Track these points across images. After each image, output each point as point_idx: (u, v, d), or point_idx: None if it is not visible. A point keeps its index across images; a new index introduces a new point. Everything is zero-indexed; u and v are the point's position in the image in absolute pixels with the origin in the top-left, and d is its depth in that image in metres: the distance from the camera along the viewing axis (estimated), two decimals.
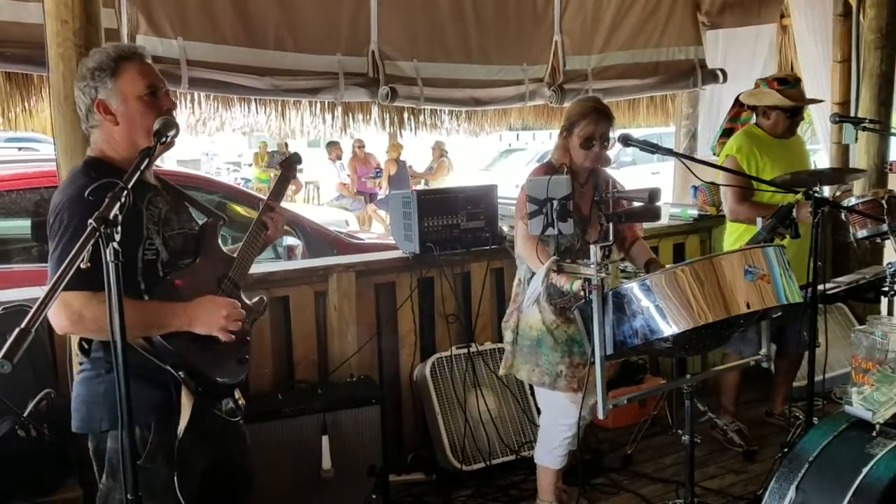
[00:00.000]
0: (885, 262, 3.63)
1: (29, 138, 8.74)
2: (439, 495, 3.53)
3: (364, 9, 3.99)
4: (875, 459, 2.16)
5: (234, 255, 2.20)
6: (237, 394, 2.18)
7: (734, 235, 3.77)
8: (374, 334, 3.72)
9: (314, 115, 4.37)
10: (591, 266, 2.33)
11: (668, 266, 2.44)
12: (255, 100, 4.08)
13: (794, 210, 2.80)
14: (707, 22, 5.18)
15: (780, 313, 2.53)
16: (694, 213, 4.65)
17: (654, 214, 2.59)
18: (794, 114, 3.72)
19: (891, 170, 4.89)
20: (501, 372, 3.21)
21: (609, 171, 3.25)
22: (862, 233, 3.54)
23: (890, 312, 3.23)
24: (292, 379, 3.51)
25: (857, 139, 4.79)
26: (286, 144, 14.67)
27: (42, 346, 2.87)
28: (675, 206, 4.85)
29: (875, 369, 2.36)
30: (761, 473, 3.51)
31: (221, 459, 2.18)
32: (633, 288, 2.29)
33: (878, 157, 4.82)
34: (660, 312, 2.24)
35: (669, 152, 2.91)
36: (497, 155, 17.58)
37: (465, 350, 3.80)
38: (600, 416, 2.42)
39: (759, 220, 2.85)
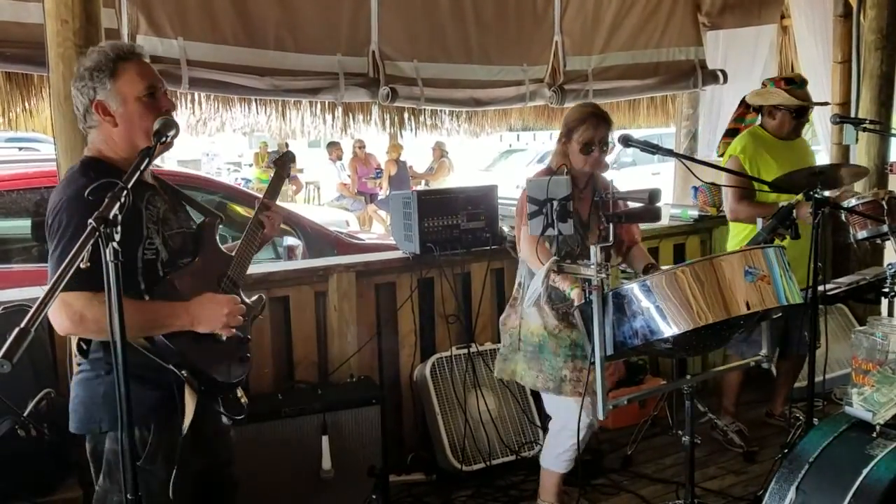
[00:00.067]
0: (885, 263, 3.63)
1: (29, 138, 8.75)
2: (439, 496, 3.53)
3: (364, 9, 3.99)
4: (875, 460, 2.15)
5: (233, 253, 2.21)
6: (240, 392, 2.19)
7: (738, 237, 3.77)
8: (374, 335, 3.72)
9: (314, 115, 4.37)
10: (591, 266, 2.33)
11: (668, 267, 2.44)
12: (256, 100, 4.08)
13: (795, 210, 2.80)
14: (707, 23, 5.18)
15: (780, 314, 2.52)
16: (694, 213, 4.65)
17: (654, 215, 2.59)
18: (799, 115, 3.71)
19: (891, 171, 4.89)
20: (497, 375, 3.20)
21: (609, 172, 3.25)
22: (862, 234, 3.54)
23: (890, 313, 3.23)
24: (292, 379, 3.51)
25: (857, 140, 4.79)
26: (286, 145, 14.68)
27: (42, 346, 2.87)
28: (675, 206, 4.84)
29: (875, 370, 2.36)
30: (761, 474, 3.51)
31: (210, 466, 2.19)
32: (633, 288, 2.29)
33: (878, 157, 4.82)
34: (660, 313, 2.23)
35: (670, 153, 2.90)
36: (497, 155, 17.58)
37: (466, 350, 3.80)
38: (600, 416, 2.42)
39: (759, 220, 2.85)
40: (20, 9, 3.11)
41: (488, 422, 3.74)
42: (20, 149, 8.45)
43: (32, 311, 1.38)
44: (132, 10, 3.36)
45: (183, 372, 1.94)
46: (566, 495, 3.26)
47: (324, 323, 3.61)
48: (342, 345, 3.59)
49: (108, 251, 1.53)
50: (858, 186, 4.25)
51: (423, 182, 13.07)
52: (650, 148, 2.59)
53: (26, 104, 3.60)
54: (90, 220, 1.52)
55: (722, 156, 3.95)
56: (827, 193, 3.14)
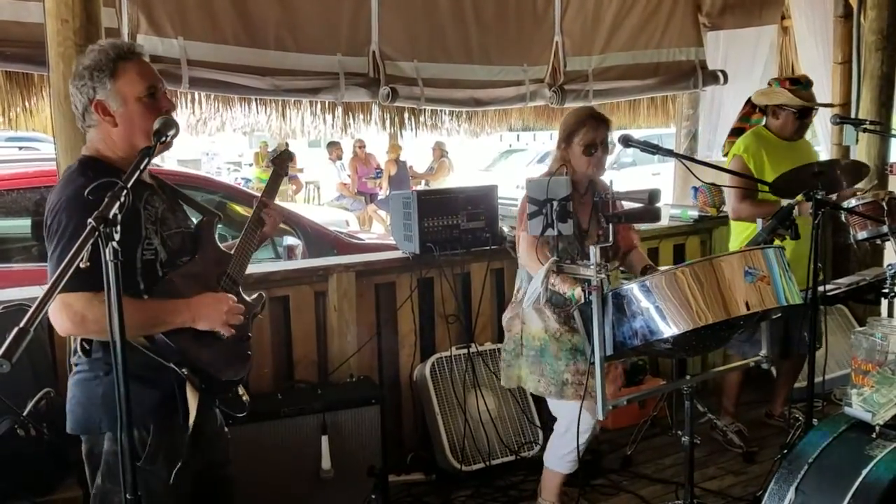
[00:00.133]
0: (885, 264, 3.63)
1: (29, 138, 8.74)
2: (439, 495, 3.53)
3: (364, 9, 3.99)
4: (875, 461, 2.15)
5: (232, 252, 2.20)
6: (241, 390, 2.19)
7: (741, 237, 3.78)
8: (373, 334, 3.72)
9: (315, 115, 4.37)
10: (591, 267, 2.33)
11: (667, 267, 2.44)
12: (256, 100, 4.08)
13: (797, 208, 2.80)
14: (708, 23, 5.18)
15: (779, 315, 2.52)
16: (694, 214, 4.65)
17: (653, 215, 2.59)
18: (803, 115, 3.71)
19: (891, 171, 4.89)
20: (505, 384, 3.19)
21: (609, 172, 3.25)
22: (862, 234, 3.54)
23: (890, 314, 3.23)
24: (292, 379, 3.51)
25: (857, 140, 4.79)
26: (286, 144, 14.67)
27: (41, 346, 2.87)
28: (675, 207, 4.84)
29: (875, 371, 2.36)
30: (761, 475, 3.51)
31: (208, 466, 2.18)
32: (632, 289, 2.29)
33: (878, 158, 4.82)
34: (659, 313, 2.24)
35: (670, 153, 2.90)
36: (497, 155, 17.57)
37: (465, 350, 3.80)
38: (600, 416, 2.42)
39: (759, 221, 2.85)
40: (20, 8, 3.11)
41: (488, 422, 3.74)
42: (20, 148, 8.46)
43: (32, 310, 1.38)
44: (132, 9, 3.36)
45: (184, 370, 1.94)
46: (566, 496, 3.26)
47: (323, 323, 3.61)
48: (342, 344, 3.59)
49: (107, 251, 1.53)
50: (859, 186, 4.25)
51: (422, 182, 13.07)
52: (650, 148, 2.59)
53: (26, 103, 3.60)
54: (90, 220, 1.52)
55: (726, 155, 3.95)
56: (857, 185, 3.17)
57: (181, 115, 3.81)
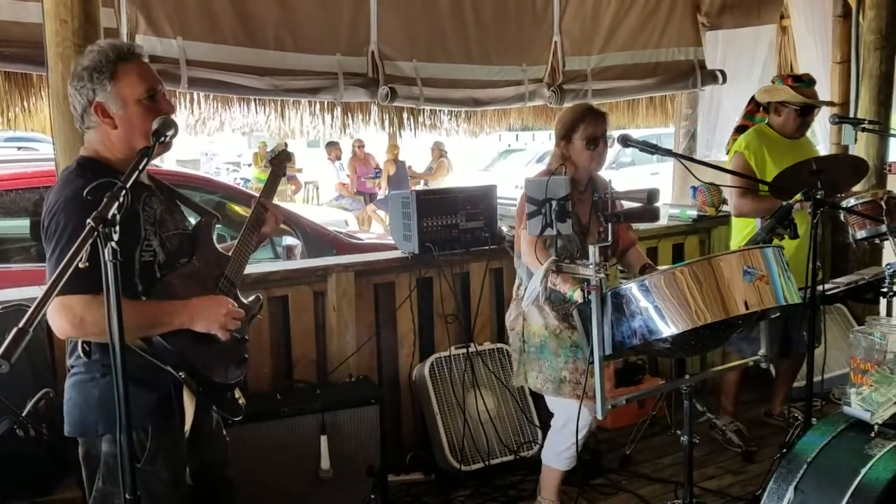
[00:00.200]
0: (884, 263, 3.63)
1: (28, 138, 8.75)
2: (438, 495, 3.53)
3: (364, 9, 3.98)
4: (874, 460, 2.16)
5: (229, 253, 2.20)
6: (237, 393, 2.18)
7: (742, 233, 3.78)
8: (372, 334, 3.72)
9: (314, 115, 4.37)
10: (590, 266, 2.33)
11: (666, 266, 2.44)
12: (255, 100, 4.08)
13: (799, 204, 2.80)
14: (707, 23, 5.18)
15: (778, 314, 2.52)
16: (693, 213, 4.65)
17: (652, 215, 2.59)
18: (804, 112, 3.72)
19: (890, 170, 4.89)
20: (517, 383, 3.19)
21: (607, 172, 3.26)
22: (861, 234, 3.55)
23: (889, 313, 3.23)
24: (291, 379, 3.51)
25: (856, 140, 4.80)
26: (285, 144, 14.65)
27: (41, 346, 2.87)
28: (674, 206, 4.84)
29: (874, 370, 2.37)
30: (760, 474, 3.51)
31: (204, 468, 2.18)
32: (631, 288, 2.29)
33: (877, 158, 4.82)
34: (658, 313, 2.24)
35: (668, 153, 2.91)
36: (496, 155, 17.57)
37: (464, 350, 3.80)
38: (599, 416, 2.42)
39: (758, 220, 2.85)
40: (19, 8, 3.11)
41: (487, 421, 3.74)
42: (19, 148, 8.47)
43: (31, 310, 1.38)
44: (131, 9, 3.35)
45: (181, 373, 1.93)
46: (565, 495, 3.26)
47: (322, 323, 3.61)
48: (341, 344, 3.59)
49: (106, 251, 1.53)
50: (858, 187, 4.25)
51: (421, 182, 13.06)
52: (649, 148, 2.59)
53: (25, 104, 3.59)
54: (88, 220, 1.51)
55: (729, 152, 3.96)
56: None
57: (180, 116, 3.80)
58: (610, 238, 2.48)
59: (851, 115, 4.89)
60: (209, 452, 2.20)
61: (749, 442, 3.88)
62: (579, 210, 2.98)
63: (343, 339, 3.60)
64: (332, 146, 12.96)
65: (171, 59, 3.45)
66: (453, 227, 3.76)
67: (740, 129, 3.95)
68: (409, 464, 3.71)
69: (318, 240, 5.15)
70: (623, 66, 4.87)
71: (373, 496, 3.09)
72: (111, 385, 1.88)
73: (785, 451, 2.62)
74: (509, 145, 20.53)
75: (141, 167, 1.75)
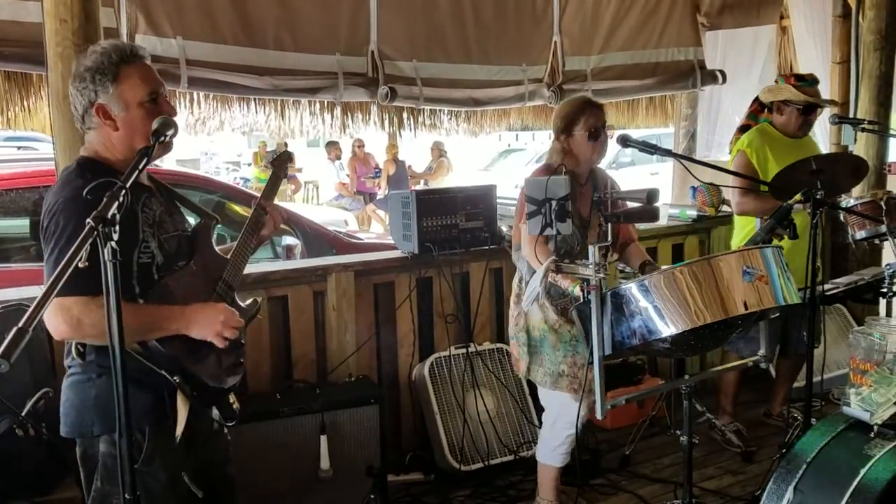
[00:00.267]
0: (883, 264, 3.63)
1: (28, 137, 8.75)
2: (438, 495, 3.53)
3: (364, 9, 3.99)
4: (873, 460, 2.16)
5: (228, 255, 2.18)
6: (232, 398, 2.16)
7: (743, 231, 3.79)
8: (372, 334, 3.72)
9: (313, 114, 4.37)
10: (590, 266, 2.33)
11: (666, 267, 2.44)
12: (255, 99, 4.08)
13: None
14: (706, 23, 5.18)
15: (778, 314, 2.53)
16: (693, 213, 4.65)
17: (652, 215, 2.59)
18: (807, 112, 3.72)
19: (889, 171, 4.89)
20: (524, 377, 3.19)
21: (608, 171, 3.26)
22: (860, 234, 3.55)
23: (888, 314, 3.23)
24: (291, 379, 3.51)
25: (856, 140, 4.80)
26: (286, 144, 14.66)
27: (41, 346, 2.87)
28: (673, 206, 4.85)
29: (873, 370, 2.37)
30: (759, 474, 3.51)
31: (205, 467, 2.17)
32: (631, 288, 2.29)
33: (876, 158, 4.83)
34: (658, 313, 2.24)
35: (668, 153, 2.90)
36: (496, 155, 17.57)
37: (464, 350, 3.80)
38: (599, 416, 2.42)
39: (757, 220, 2.85)
40: (19, 8, 3.11)
41: (487, 421, 3.74)
42: (19, 148, 8.47)
43: (30, 310, 1.38)
44: (131, 9, 3.36)
45: (175, 378, 1.92)
46: (564, 495, 3.26)
47: (322, 322, 3.61)
48: (341, 344, 3.59)
49: (106, 250, 1.53)
50: (857, 187, 4.26)
51: (421, 182, 13.07)
52: (649, 148, 2.59)
53: (25, 103, 3.59)
54: (88, 220, 1.51)
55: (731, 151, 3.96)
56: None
57: (180, 115, 3.80)
58: (610, 238, 2.48)
59: (851, 115, 4.90)
60: (209, 452, 2.19)
61: (748, 442, 3.88)
62: (580, 204, 2.98)
63: (343, 339, 3.60)
64: (331, 146, 12.96)
65: (171, 58, 3.45)
66: (453, 226, 3.76)
67: (744, 129, 3.95)
68: (409, 464, 3.71)
69: (317, 239, 5.15)
70: (623, 66, 4.88)
71: (372, 496, 3.09)
72: (107, 386, 1.88)
73: (784, 451, 2.62)
74: (509, 145, 20.53)
75: (140, 167, 1.75)
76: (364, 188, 12.77)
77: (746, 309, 2.26)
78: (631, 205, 2.62)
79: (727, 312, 2.24)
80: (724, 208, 4.61)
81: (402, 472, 3.64)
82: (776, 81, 3.87)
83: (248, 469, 2.87)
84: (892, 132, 4.56)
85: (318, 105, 4.33)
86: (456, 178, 13.49)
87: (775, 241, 2.76)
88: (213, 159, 20.10)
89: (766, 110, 3.89)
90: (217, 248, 2.20)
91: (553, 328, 2.96)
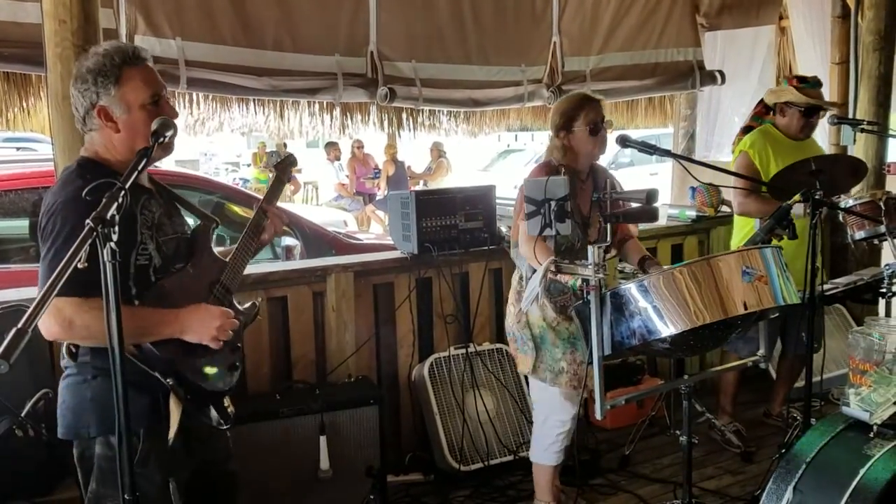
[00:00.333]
0: (882, 264, 3.64)
1: (27, 138, 8.74)
2: (437, 496, 3.53)
3: (363, 9, 3.99)
4: (872, 460, 2.16)
5: (227, 258, 2.16)
6: (227, 401, 2.15)
7: (743, 231, 3.79)
8: (372, 335, 3.72)
9: (313, 115, 4.37)
10: (589, 266, 2.33)
11: (665, 267, 2.44)
12: (254, 100, 4.08)
13: (794, 207, 2.80)
14: (706, 23, 5.19)
15: (777, 314, 2.53)
16: (692, 214, 4.65)
17: (651, 215, 2.59)
18: (809, 114, 3.72)
19: (888, 171, 4.90)
20: (529, 372, 3.18)
21: (608, 171, 3.26)
22: (860, 234, 3.55)
23: (888, 314, 3.24)
24: (290, 379, 3.51)
25: (855, 141, 4.80)
26: (285, 145, 14.67)
27: (40, 347, 2.86)
28: (673, 207, 4.85)
29: (872, 370, 2.37)
30: (759, 474, 3.51)
31: (206, 465, 2.16)
32: (630, 289, 2.30)
33: (876, 158, 4.83)
34: (657, 313, 2.24)
35: (667, 153, 2.91)
36: (496, 156, 17.58)
37: (464, 350, 3.80)
38: (598, 416, 2.43)
39: (756, 221, 2.85)
40: (18, 8, 3.11)
41: (486, 422, 3.74)
42: (18, 149, 8.46)
43: (30, 311, 1.38)
44: (130, 10, 3.36)
45: (168, 380, 1.91)
46: (563, 494, 3.26)
47: (322, 323, 3.61)
48: (340, 345, 3.59)
49: (105, 251, 1.53)
50: (856, 187, 4.27)
51: (421, 182, 13.07)
52: (648, 148, 2.60)
53: (24, 104, 3.59)
54: (87, 221, 1.51)
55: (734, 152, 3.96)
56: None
57: (179, 116, 3.80)
58: (609, 238, 2.48)
59: (850, 115, 4.89)
60: (209, 451, 2.18)
61: (748, 442, 3.88)
62: (580, 200, 2.98)
63: (342, 340, 3.60)
64: (331, 146, 12.96)
65: (170, 59, 3.45)
66: (452, 227, 3.76)
67: (747, 130, 3.96)
68: (409, 464, 3.71)
69: (317, 240, 5.15)
70: (622, 67, 4.88)
71: (372, 496, 3.09)
72: (103, 387, 1.89)
73: (784, 451, 2.62)
74: (508, 146, 20.53)
75: (140, 168, 1.75)
76: (363, 189, 12.77)
77: (746, 309, 2.26)
78: (630, 205, 2.62)
79: (726, 313, 2.24)
80: (724, 208, 4.61)
81: (402, 472, 3.64)
82: (780, 83, 3.87)
83: (248, 469, 2.86)
84: (891, 132, 4.57)
85: (317, 106, 4.33)
86: (455, 178, 13.50)
87: (774, 242, 2.76)
88: (213, 160, 20.13)
89: (770, 112, 3.89)
90: (217, 251, 2.20)
91: (551, 326, 2.96)
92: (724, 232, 4.55)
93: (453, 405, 3.71)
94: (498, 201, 3.94)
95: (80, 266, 1.46)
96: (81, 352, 1.94)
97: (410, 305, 3.78)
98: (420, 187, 12.28)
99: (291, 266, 3.82)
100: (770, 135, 3.77)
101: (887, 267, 3.25)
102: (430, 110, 4.78)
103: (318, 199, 14.53)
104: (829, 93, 5.16)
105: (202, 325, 1.95)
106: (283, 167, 2.40)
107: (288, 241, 4.74)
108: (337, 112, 4.43)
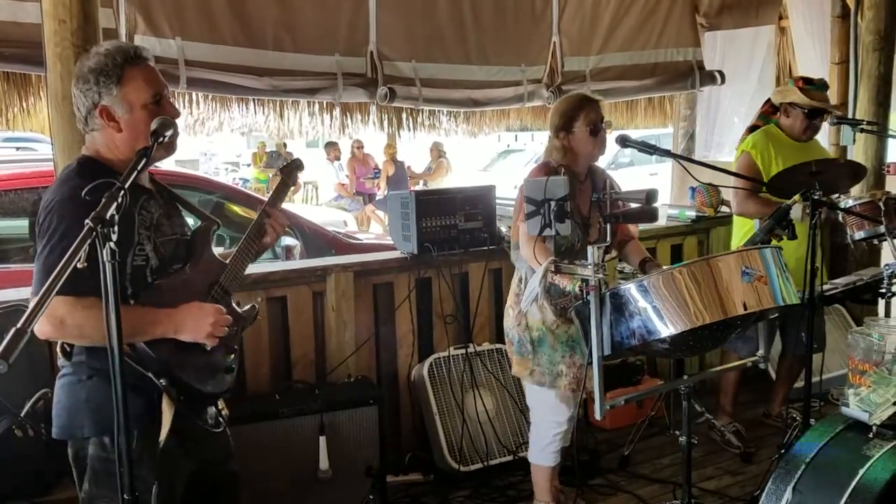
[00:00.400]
0: (882, 264, 3.63)
1: (27, 138, 8.75)
2: (437, 496, 3.53)
3: (363, 9, 3.99)
4: (872, 461, 2.16)
5: (227, 260, 2.15)
6: (221, 404, 2.14)
7: (742, 230, 3.79)
8: (371, 335, 3.72)
9: (313, 115, 4.37)
10: (589, 267, 2.33)
11: (665, 267, 2.44)
12: (254, 100, 4.08)
13: (794, 208, 2.80)
14: (705, 23, 5.19)
15: (777, 315, 2.53)
16: (692, 214, 4.65)
17: (651, 215, 2.59)
18: (812, 115, 3.71)
19: (888, 171, 4.89)
20: (524, 375, 3.19)
21: (607, 171, 3.26)
22: (859, 234, 3.55)
23: (887, 314, 3.23)
24: (290, 379, 3.51)
25: (854, 141, 4.80)
26: (285, 145, 14.68)
27: (39, 347, 2.87)
28: (672, 207, 4.85)
29: (872, 371, 2.37)
30: (758, 474, 3.51)
31: (206, 465, 2.15)
32: (630, 289, 2.30)
33: (875, 158, 4.83)
34: (657, 313, 2.24)
35: (667, 153, 2.91)
36: (495, 156, 17.58)
37: (463, 350, 3.80)
38: (598, 416, 2.43)
39: (756, 221, 2.85)
40: (17, 8, 3.11)
41: (486, 422, 3.74)
42: (18, 149, 8.46)
43: (29, 311, 1.38)
44: (130, 9, 3.36)
45: (161, 381, 1.90)
46: (563, 495, 3.26)
47: (321, 323, 3.61)
48: (340, 345, 3.59)
49: (105, 251, 1.52)
50: (855, 188, 4.27)
51: (420, 182, 13.07)
52: (648, 148, 2.60)
53: (24, 104, 3.60)
54: (87, 220, 1.51)
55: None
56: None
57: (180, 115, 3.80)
58: (609, 238, 2.48)
59: (850, 115, 4.89)
60: (207, 451, 2.17)
61: (748, 442, 3.89)
62: (579, 201, 2.98)
63: (342, 340, 3.60)
64: (331, 146, 12.96)
65: (170, 59, 3.45)
66: (452, 227, 3.76)
67: (753, 129, 3.96)
68: (408, 464, 3.71)
69: (317, 240, 5.15)
70: (622, 67, 4.88)
71: (371, 497, 3.09)
72: (97, 387, 1.88)
73: (783, 451, 2.63)
74: (508, 146, 20.52)
75: (139, 168, 1.75)
76: (363, 189, 12.78)
77: (745, 309, 2.26)
78: (630, 205, 2.62)
79: (726, 313, 2.24)
80: (724, 209, 4.61)
81: (402, 472, 3.64)
82: (783, 83, 3.87)
83: (248, 469, 2.85)
84: (890, 132, 4.57)
85: (317, 106, 4.34)
86: (455, 178, 13.50)
87: (774, 242, 2.76)
88: (213, 160, 20.13)
89: (777, 112, 3.89)
90: (217, 253, 2.19)
91: (550, 329, 2.96)
92: (723, 232, 4.55)
93: (453, 405, 3.71)
94: (498, 201, 3.94)
95: (79, 266, 1.45)
96: (76, 351, 1.93)
97: (410, 305, 3.78)
98: (420, 187, 12.28)
99: (291, 266, 3.82)
100: (773, 135, 3.76)
101: (887, 267, 3.25)
102: (429, 110, 4.78)
103: (318, 198, 14.53)
104: (828, 93, 5.16)
105: (196, 323, 1.94)
106: (289, 171, 2.39)
107: (288, 240, 4.74)
108: (337, 112, 4.43)
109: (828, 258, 4.92)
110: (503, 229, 3.91)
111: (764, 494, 2.30)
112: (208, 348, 1.99)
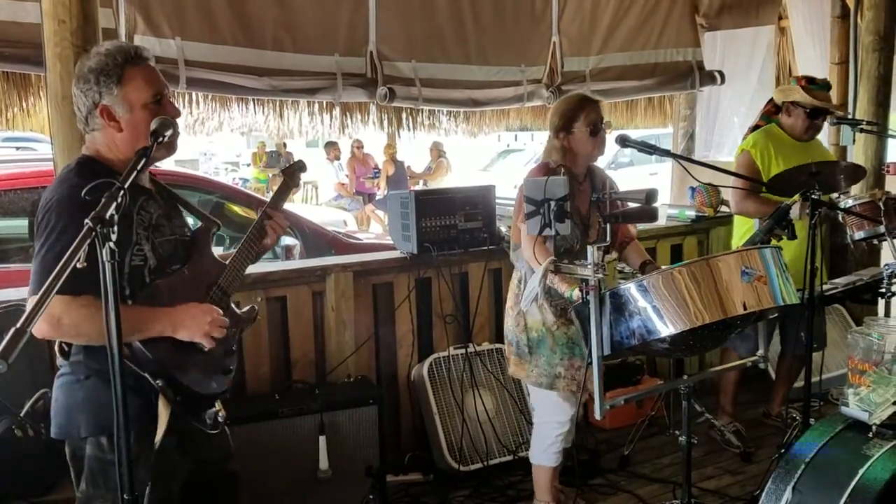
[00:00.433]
0: (882, 264, 3.64)
1: (27, 138, 8.75)
2: (437, 496, 3.53)
3: (362, 9, 3.99)
4: (871, 461, 2.16)
5: (226, 262, 2.15)
6: (218, 405, 2.13)
7: (742, 229, 3.79)
8: (371, 334, 3.72)
9: (312, 115, 4.37)
10: (588, 267, 2.33)
11: (664, 267, 2.45)
12: (254, 100, 4.09)
13: (793, 208, 2.80)
14: (705, 23, 5.19)
15: (776, 315, 2.53)
16: (692, 214, 4.65)
17: (650, 215, 2.59)
18: (814, 115, 3.71)
19: (888, 171, 4.90)
20: (523, 377, 3.19)
21: (607, 171, 3.26)
22: (859, 234, 3.55)
23: (887, 314, 3.24)
24: (289, 379, 3.51)
25: (854, 141, 4.80)
26: (284, 145, 14.68)
27: (39, 346, 2.86)
28: (672, 207, 4.85)
29: (871, 371, 2.37)
30: (758, 474, 3.51)
31: (206, 465, 2.14)
32: (630, 289, 2.30)
33: (875, 158, 4.83)
34: (657, 313, 2.24)
35: (667, 153, 2.91)
36: (495, 155, 17.58)
37: (463, 350, 3.80)
38: (597, 416, 2.43)
39: (756, 221, 2.86)
40: (17, 8, 3.11)
41: (486, 422, 3.74)
42: (17, 148, 8.47)
43: (28, 311, 1.38)
44: (130, 9, 3.36)
45: (158, 381, 1.89)
46: (563, 495, 3.27)
47: (321, 323, 3.60)
48: (340, 345, 3.59)
49: (104, 251, 1.52)
50: (855, 188, 4.27)
51: (420, 182, 13.07)
52: (647, 148, 2.60)
53: (24, 104, 3.60)
54: (87, 220, 1.51)
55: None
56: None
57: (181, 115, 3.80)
58: (608, 238, 2.48)
59: (850, 116, 4.89)
60: (206, 451, 2.17)
61: (747, 442, 3.89)
62: (579, 202, 2.98)
63: (342, 340, 3.60)
64: (330, 146, 12.96)
65: (170, 59, 3.45)
66: (452, 227, 3.76)
67: (755, 129, 3.96)
68: (408, 464, 3.71)
69: (316, 240, 5.15)
70: (622, 67, 4.88)
71: (371, 496, 3.09)
72: (95, 387, 1.88)
73: (783, 451, 2.63)
74: (508, 145, 20.52)
75: (139, 168, 1.74)
76: (363, 188, 12.77)
77: (745, 309, 2.26)
78: (630, 205, 2.62)
79: (726, 313, 2.24)
80: (723, 209, 4.61)
81: (402, 472, 3.64)
82: (787, 82, 3.87)
83: (248, 469, 2.85)
84: (890, 132, 4.57)
85: (316, 105, 4.34)
86: (455, 178, 13.49)
87: (773, 242, 2.76)
88: (212, 160, 20.12)
89: (779, 112, 3.89)
90: (218, 254, 2.19)
91: (550, 330, 2.96)
92: (723, 232, 4.56)
93: (453, 405, 3.71)
94: (498, 201, 3.94)
95: (79, 266, 1.45)
96: (74, 350, 1.93)
97: (410, 305, 3.78)
98: (420, 187, 12.28)
99: (291, 266, 3.81)
100: (773, 135, 3.76)
101: (887, 267, 3.25)
102: (429, 110, 4.79)
103: (318, 198, 14.52)
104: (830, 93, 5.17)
105: (194, 322, 1.94)
106: (291, 172, 2.37)
107: (287, 240, 4.74)
108: (337, 112, 4.44)
109: (828, 258, 4.92)
110: (503, 229, 3.91)
111: (764, 494, 2.30)
112: (205, 349, 1.98)
